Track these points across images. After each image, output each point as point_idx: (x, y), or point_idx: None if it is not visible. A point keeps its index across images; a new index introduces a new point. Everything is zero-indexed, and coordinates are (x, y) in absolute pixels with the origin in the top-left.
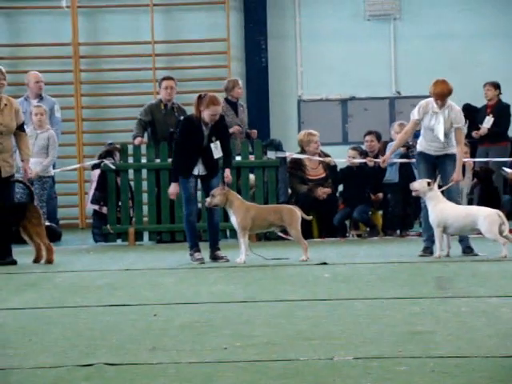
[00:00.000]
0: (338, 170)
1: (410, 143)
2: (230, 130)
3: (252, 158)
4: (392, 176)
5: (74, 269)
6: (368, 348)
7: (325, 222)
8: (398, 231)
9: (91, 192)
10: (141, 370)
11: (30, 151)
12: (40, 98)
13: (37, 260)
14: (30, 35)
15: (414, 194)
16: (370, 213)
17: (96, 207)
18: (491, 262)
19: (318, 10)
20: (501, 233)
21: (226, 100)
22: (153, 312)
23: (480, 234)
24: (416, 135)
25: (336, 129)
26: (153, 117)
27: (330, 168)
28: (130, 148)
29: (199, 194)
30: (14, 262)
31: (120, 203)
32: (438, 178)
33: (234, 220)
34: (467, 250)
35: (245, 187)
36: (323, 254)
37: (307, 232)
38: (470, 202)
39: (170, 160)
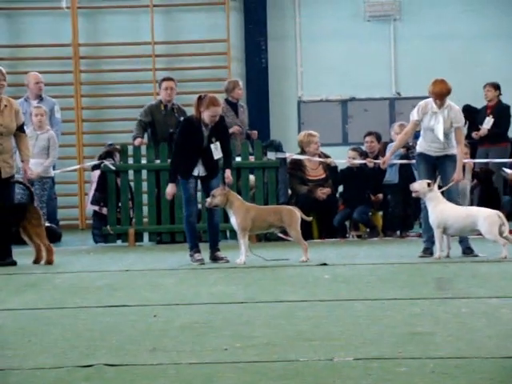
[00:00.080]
0: (338, 170)
1: (410, 144)
2: (230, 130)
3: (252, 158)
4: (392, 177)
5: (73, 270)
6: (368, 349)
7: (325, 223)
8: (398, 232)
9: (91, 193)
10: (141, 370)
11: (29, 152)
12: (40, 98)
13: (37, 261)
14: (30, 36)
15: (414, 194)
16: (370, 214)
17: (96, 208)
18: (491, 263)
19: (318, 10)
20: (501, 234)
21: (227, 101)
22: (153, 313)
23: (480, 234)
24: (416, 136)
25: (336, 129)
26: (153, 118)
27: (331, 169)
28: (130, 149)
29: (199, 194)
30: (14, 263)
31: (120, 204)
32: (438, 179)
33: (233, 221)
34: (467, 251)
35: (245, 188)
36: (323, 254)
37: (307, 233)
38: (470, 203)
39: (169, 161)
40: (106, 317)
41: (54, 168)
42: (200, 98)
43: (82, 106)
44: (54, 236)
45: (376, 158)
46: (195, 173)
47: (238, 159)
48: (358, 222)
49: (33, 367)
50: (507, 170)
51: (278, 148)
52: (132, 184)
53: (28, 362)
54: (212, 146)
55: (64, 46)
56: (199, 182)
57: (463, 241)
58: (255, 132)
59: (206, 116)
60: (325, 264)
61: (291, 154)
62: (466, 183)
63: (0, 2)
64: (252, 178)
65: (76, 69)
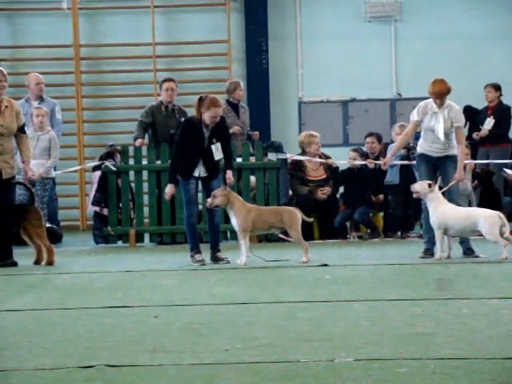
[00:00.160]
0: (339, 171)
1: (411, 145)
2: (231, 131)
3: (253, 159)
4: (393, 178)
5: (74, 270)
6: (369, 350)
7: (325, 224)
8: (399, 233)
9: (92, 194)
10: (141, 371)
11: (30, 153)
12: (41, 99)
13: (37, 261)
14: (30, 37)
15: (414, 195)
16: (371, 214)
17: (97, 209)
18: (492, 264)
19: (318, 11)
20: (501, 234)
21: (228, 102)
22: (153, 314)
23: (481, 235)
24: (417, 137)
25: (337, 130)
26: (153, 118)
27: (331, 170)
28: (131, 150)
29: (200, 195)
30: (15, 264)
31: (121, 205)
32: (439, 180)
33: (234, 222)
34: (468, 252)
35: (245, 189)
36: (324, 255)
37: (308, 233)
38: (470, 204)
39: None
40: (106, 318)
41: (54, 169)
42: (201, 99)
43: (83, 107)
44: (55, 237)
45: (377, 158)
46: (196, 174)
47: (239, 160)
48: (358, 222)
49: (33, 368)
50: (508, 171)
51: (278, 149)
52: (133, 185)
53: (28, 363)
54: (213, 146)
55: (65, 46)
56: (200, 182)
57: (464, 242)
58: (257, 133)
59: (207, 117)
60: (325, 265)
61: (292, 154)
62: (467, 183)
63: (1, 3)
64: (253, 178)
65: (77, 70)
